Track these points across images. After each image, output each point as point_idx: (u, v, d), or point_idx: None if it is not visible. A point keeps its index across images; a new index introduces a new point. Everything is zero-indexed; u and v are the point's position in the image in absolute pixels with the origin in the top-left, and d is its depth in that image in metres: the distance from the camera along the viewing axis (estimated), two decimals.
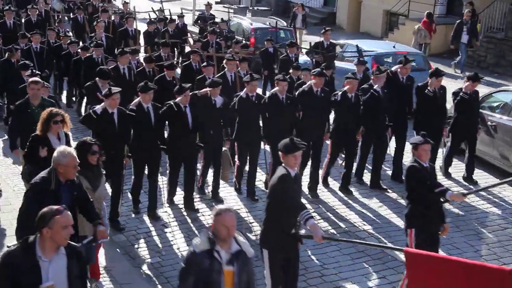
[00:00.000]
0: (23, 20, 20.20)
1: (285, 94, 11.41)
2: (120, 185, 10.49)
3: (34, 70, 12.88)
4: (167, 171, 11.25)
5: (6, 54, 14.78)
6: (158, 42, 17.94)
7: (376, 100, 11.70)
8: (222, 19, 21.01)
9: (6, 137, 12.09)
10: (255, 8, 31.17)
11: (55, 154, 7.11)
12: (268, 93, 12.52)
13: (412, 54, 18.45)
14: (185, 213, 11.14)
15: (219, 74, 13.14)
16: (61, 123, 8.82)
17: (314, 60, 16.37)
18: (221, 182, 11.80)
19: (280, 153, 7.65)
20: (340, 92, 11.68)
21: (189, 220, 10.89)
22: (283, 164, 7.62)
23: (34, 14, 20.19)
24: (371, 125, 11.89)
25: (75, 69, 15.18)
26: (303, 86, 11.75)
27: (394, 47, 18.91)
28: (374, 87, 11.83)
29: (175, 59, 17.14)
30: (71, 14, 22.34)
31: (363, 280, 9.35)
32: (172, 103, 10.63)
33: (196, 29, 24.45)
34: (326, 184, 12.37)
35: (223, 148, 11.67)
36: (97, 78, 12.45)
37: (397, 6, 26.80)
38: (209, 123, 11.13)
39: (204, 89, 11.37)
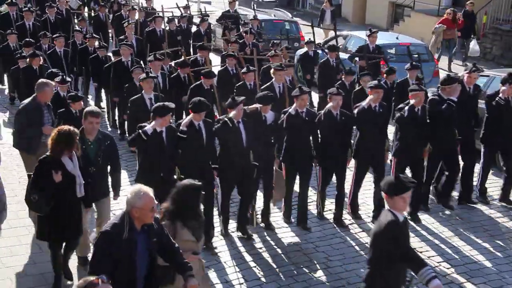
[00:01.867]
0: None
1: (339, 109, 9.58)
2: None
3: (64, 76, 11.11)
4: (218, 196, 9.35)
5: (28, 60, 12.76)
6: (180, 41, 16.13)
7: (451, 111, 9.73)
8: (254, 16, 18.36)
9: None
10: (260, 0, 29.56)
11: (128, 195, 5.61)
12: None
13: (415, 45, 16.94)
14: (236, 239, 9.47)
15: (266, 85, 11.15)
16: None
17: (358, 65, 14.27)
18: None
19: (384, 194, 5.97)
20: (407, 107, 9.67)
21: (241, 249, 9.21)
22: (388, 207, 5.94)
23: (52, 13, 17.46)
24: (442, 139, 9.92)
25: (106, 75, 13.10)
26: (362, 104, 9.80)
27: (397, 38, 17.49)
28: (451, 98, 9.75)
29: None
30: (92, 11, 20.07)
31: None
32: (226, 119, 8.91)
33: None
34: None
35: (275, 168, 9.83)
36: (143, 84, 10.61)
37: None
38: (258, 141, 9.32)
39: (254, 105, 9.50)
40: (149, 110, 9.81)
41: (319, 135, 9.69)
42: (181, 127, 8.75)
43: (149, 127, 8.40)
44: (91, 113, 7.98)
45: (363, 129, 9.85)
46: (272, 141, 9.74)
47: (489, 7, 22.47)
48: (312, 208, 10.33)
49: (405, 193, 5.85)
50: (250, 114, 9.38)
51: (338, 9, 29.23)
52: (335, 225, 9.85)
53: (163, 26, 16.05)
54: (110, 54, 14.07)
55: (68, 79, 11.34)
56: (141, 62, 13.73)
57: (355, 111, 9.84)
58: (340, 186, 9.86)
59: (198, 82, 11.66)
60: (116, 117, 13.80)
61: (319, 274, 8.57)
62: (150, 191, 5.65)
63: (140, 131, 8.39)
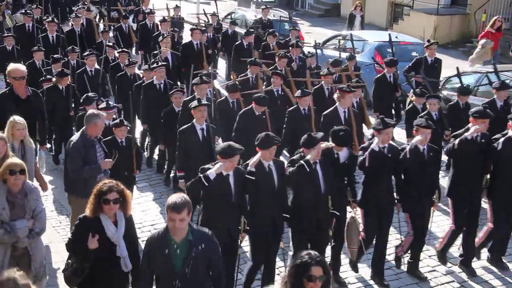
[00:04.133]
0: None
1: (427, 144, 7.54)
2: (234, 269, 6.81)
3: (109, 102, 9.07)
4: (289, 252, 7.30)
5: (53, 79, 10.44)
6: (213, 55, 13.77)
7: None
8: (293, 26, 15.40)
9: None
10: (259, 0, 27.62)
11: None
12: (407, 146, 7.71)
13: (415, 44, 15.70)
14: None
15: (330, 110, 9.00)
16: (114, 204, 5.32)
17: (414, 81, 11.86)
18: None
19: None
20: (503, 139, 7.66)
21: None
22: None
23: (78, 24, 14.65)
24: None
25: (135, 96, 10.55)
26: (465, 134, 7.68)
27: (396, 37, 15.71)
28: None
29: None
30: (108, 20, 17.17)
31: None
32: (303, 161, 6.81)
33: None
34: (497, 261, 8.08)
35: (350, 214, 7.67)
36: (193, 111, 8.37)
37: None
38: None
39: (326, 143, 7.29)
40: (201, 143, 8.32)
41: (403, 175, 7.67)
42: (249, 168, 6.76)
43: (212, 171, 6.39)
44: (172, 208, 4.95)
45: (462, 164, 7.85)
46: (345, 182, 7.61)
47: (488, 6, 20.95)
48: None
49: None
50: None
51: (337, 8, 27.50)
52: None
53: (200, 39, 13.51)
54: (138, 71, 11.80)
55: (114, 103, 9.32)
56: (178, 83, 11.39)
57: (456, 141, 7.72)
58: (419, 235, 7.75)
59: (248, 108, 9.44)
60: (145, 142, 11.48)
61: None
62: None
63: (201, 175, 6.38)
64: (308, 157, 6.88)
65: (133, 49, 15.76)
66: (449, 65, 13.96)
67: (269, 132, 7.10)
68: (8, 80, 8.56)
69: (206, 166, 6.60)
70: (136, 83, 11.00)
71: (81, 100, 9.52)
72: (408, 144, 7.69)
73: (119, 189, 5.37)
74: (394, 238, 8.34)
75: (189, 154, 8.38)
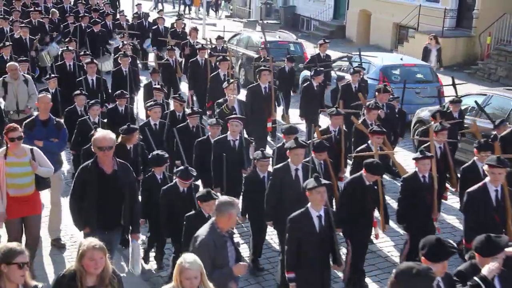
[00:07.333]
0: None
1: None
2: None
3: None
4: None
5: (119, 138, 7.46)
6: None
7: None
8: (360, 65, 12.22)
9: None
10: (265, 21, 25.49)
11: None
12: None
13: (420, 66, 14.29)
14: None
15: (478, 187, 6.46)
16: None
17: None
18: None
19: None
20: None
21: None
22: None
23: (126, 64, 11.30)
24: None
25: (205, 157, 8.02)
26: None
27: (401, 59, 14.58)
28: None
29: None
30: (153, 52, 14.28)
31: None
32: (478, 279, 4.57)
33: None
34: None
35: None
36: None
37: (407, 19, 21.61)
38: None
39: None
40: (319, 232, 5.94)
41: None
42: None
43: None
44: None
45: None
46: None
47: (493, 28, 19.39)
48: None
49: None
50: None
51: (342, 30, 25.45)
52: None
53: (269, 80, 10.22)
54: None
55: (194, 172, 7.10)
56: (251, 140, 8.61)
57: None
58: None
59: (356, 176, 6.90)
60: None
61: None
62: None
63: None
64: (485, 270, 4.56)
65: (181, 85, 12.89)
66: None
67: (440, 238, 4.67)
68: (93, 150, 6.27)
69: None
70: (199, 139, 8.32)
71: (151, 158, 7.16)
72: None
73: None
74: None
75: (302, 247, 5.90)
